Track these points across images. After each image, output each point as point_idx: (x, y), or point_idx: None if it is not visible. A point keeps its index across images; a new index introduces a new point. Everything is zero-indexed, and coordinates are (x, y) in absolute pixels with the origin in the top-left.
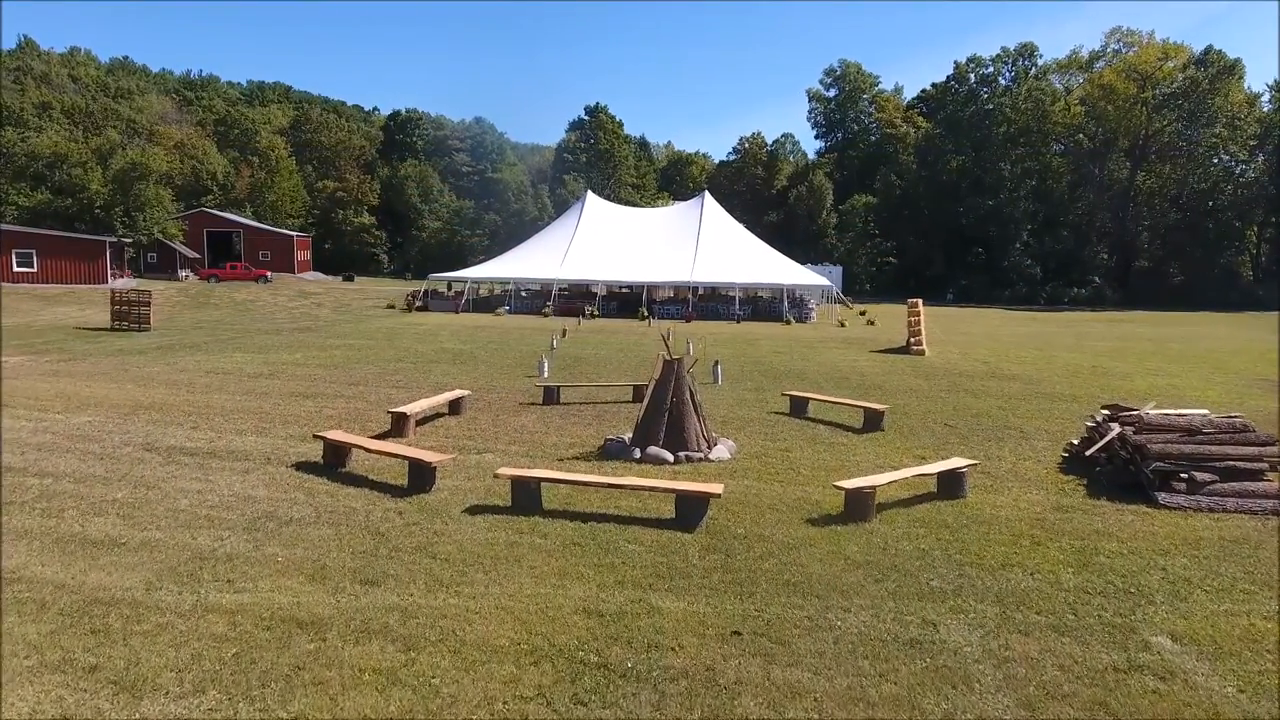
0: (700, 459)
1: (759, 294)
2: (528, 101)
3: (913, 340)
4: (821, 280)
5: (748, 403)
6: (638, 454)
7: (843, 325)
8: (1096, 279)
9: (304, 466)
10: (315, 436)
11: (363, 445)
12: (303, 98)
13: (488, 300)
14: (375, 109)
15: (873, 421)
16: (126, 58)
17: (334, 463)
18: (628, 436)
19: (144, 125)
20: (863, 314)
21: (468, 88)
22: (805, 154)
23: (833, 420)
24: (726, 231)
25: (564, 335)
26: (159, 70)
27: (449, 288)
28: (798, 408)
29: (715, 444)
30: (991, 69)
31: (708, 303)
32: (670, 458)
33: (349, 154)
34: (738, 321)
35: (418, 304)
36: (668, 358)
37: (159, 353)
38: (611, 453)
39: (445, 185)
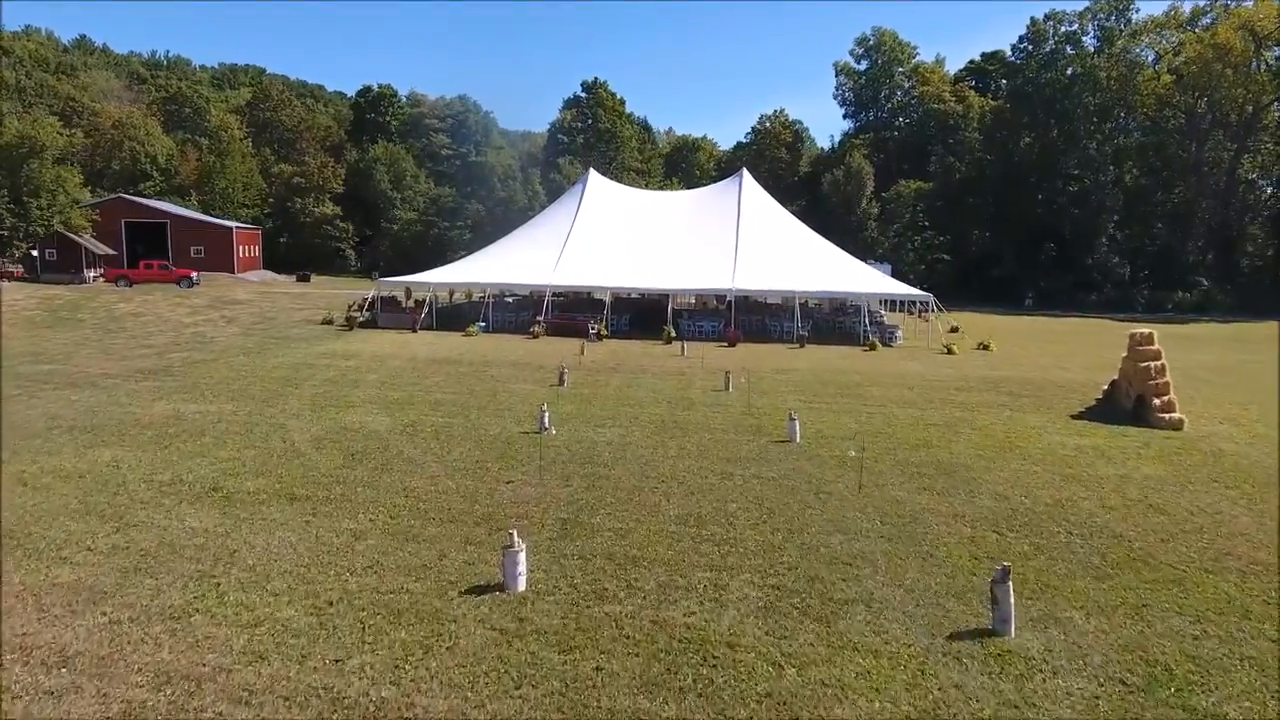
0: None
1: (807, 303)
2: (516, 89)
3: (1156, 401)
4: (914, 290)
5: None
6: None
7: (950, 352)
8: (1204, 280)
9: None
10: None
11: None
12: (278, 82)
13: (459, 310)
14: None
15: None
16: (84, 36)
17: None
18: None
19: (84, 104)
20: (955, 330)
21: (453, 75)
22: (816, 144)
23: None
24: (774, 223)
25: (561, 382)
26: (126, 53)
27: (407, 294)
28: None
29: None
30: (1076, 26)
31: (748, 315)
32: None
33: (312, 135)
34: (801, 345)
35: (361, 318)
36: None
37: None
38: None
39: (421, 170)
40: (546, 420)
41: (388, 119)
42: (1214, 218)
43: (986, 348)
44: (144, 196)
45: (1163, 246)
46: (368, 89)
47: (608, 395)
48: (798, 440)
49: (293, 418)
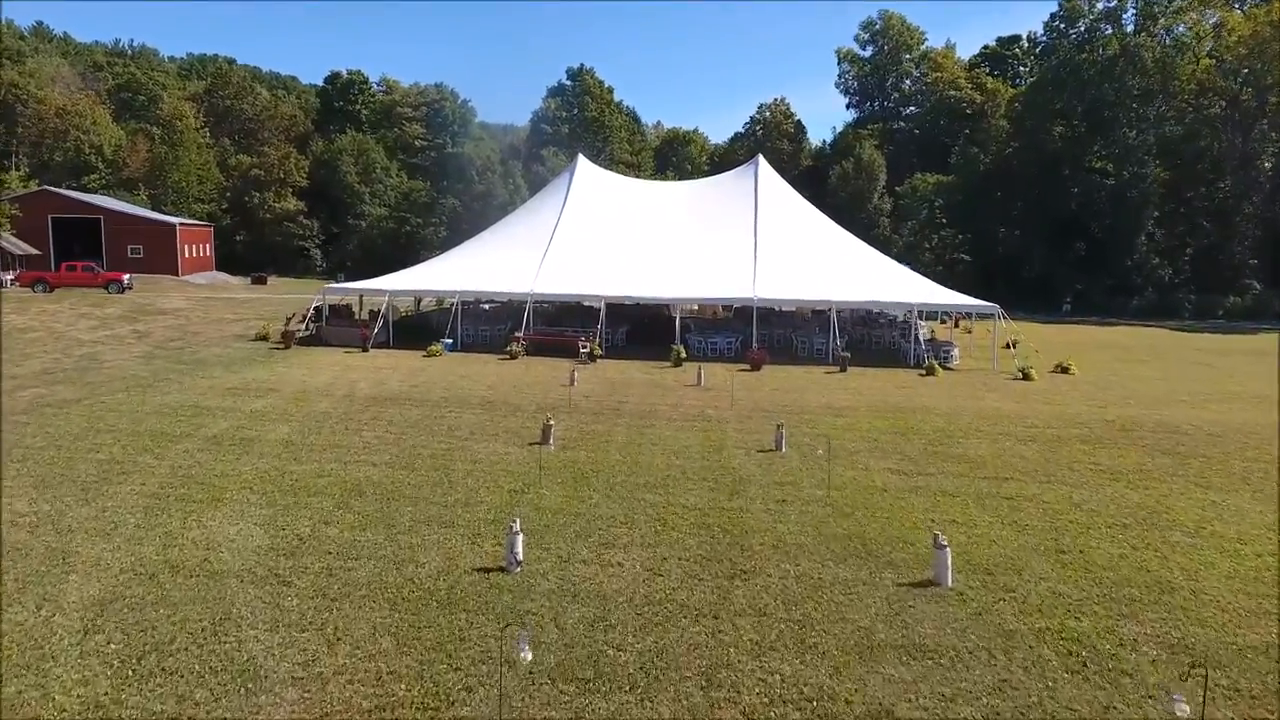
0: None
1: (821, 311)
2: (496, 81)
3: None
4: (976, 300)
5: None
6: None
7: (1028, 377)
8: (1255, 284)
9: None
10: None
11: None
12: (241, 70)
13: (426, 320)
14: None
15: None
16: (40, 23)
17: None
18: None
19: (29, 91)
20: (1013, 345)
21: (431, 67)
22: (811, 140)
23: None
24: (799, 219)
25: (546, 440)
26: (91, 42)
27: (360, 303)
28: None
29: None
30: (1115, 3)
31: (768, 328)
32: None
33: (275, 124)
34: (842, 368)
35: (302, 333)
36: None
37: None
38: None
39: (393, 162)
40: (519, 547)
41: (358, 108)
42: (1261, 214)
43: (1066, 370)
44: (84, 190)
45: (1208, 246)
46: (336, 75)
47: (612, 465)
48: (949, 582)
49: (100, 535)
